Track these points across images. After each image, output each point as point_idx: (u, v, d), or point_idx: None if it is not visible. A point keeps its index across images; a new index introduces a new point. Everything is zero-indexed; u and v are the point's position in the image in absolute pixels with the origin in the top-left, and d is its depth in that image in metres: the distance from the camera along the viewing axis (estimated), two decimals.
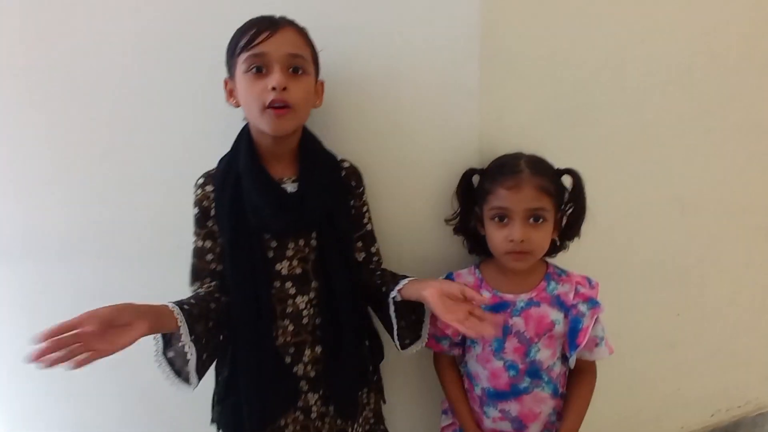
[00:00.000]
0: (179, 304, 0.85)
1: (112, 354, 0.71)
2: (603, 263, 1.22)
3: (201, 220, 0.95)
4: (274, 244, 0.94)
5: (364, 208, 1.04)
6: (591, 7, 1.11)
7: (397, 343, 0.98)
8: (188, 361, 0.83)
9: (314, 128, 1.01)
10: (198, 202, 0.95)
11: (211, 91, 1.03)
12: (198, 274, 0.96)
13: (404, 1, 1.03)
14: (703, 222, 1.33)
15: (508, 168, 0.97)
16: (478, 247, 1.08)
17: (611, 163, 1.20)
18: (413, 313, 0.98)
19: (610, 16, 1.12)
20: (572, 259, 1.07)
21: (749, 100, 1.30)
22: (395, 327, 0.96)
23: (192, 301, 0.88)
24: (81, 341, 0.68)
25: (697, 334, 1.44)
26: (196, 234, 0.96)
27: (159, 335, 0.84)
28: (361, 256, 1.04)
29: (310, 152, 0.98)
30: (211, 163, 0.99)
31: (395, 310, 0.95)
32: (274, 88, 0.86)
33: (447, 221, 1.09)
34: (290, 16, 0.95)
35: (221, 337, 0.93)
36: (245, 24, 0.90)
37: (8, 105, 1.14)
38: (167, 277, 1.15)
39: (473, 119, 1.07)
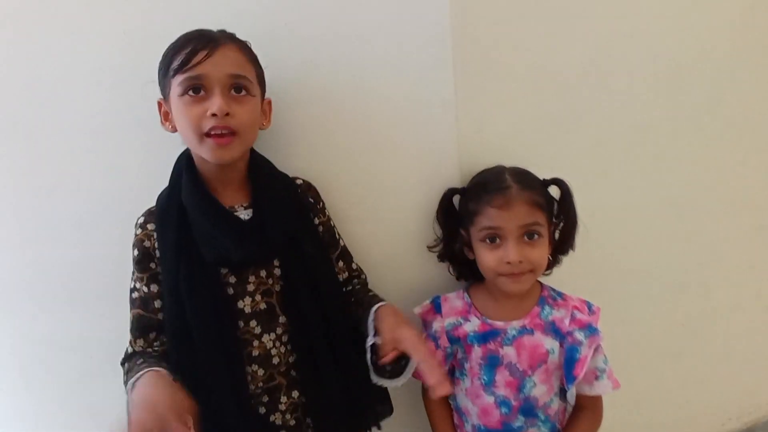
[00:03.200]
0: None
1: None
2: (600, 276, 1.14)
3: (143, 262, 0.85)
4: (233, 279, 0.85)
5: (332, 223, 0.96)
6: (573, 4, 1.02)
7: (375, 379, 0.86)
8: None
9: (270, 150, 0.93)
10: (138, 243, 0.85)
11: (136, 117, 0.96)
12: (143, 327, 0.84)
13: (366, 5, 0.94)
14: (702, 225, 1.26)
15: (493, 185, 0.89)
16: (466, 272, 0.99)
17: (602, 169, 1.12)
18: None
19: (594, 12, 1.04)
20: (566, 273, 0.99)
21: (742, 96, 1.23)
22: (373, 371, 0.85)
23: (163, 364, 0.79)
24: None
25: (703, 341, 1.37)
26: (138, 280, 0.85)
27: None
28: (344, 276, 0.95)
29: (262, 174, 0.89)
30: (141, 201, 0.89)
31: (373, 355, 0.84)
32: (214, 115, 0.77)
33: (430, 248, 1.00)
34: (244, 26, 0.86)
35: None
36: (179, 40, 0.81)
37: None
38: (104, 320, 1.10)
39: (450, 132, 0.98)
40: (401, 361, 0.86)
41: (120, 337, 1.09)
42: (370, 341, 0.83)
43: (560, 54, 1.03)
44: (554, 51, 1.03)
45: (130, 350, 0.85)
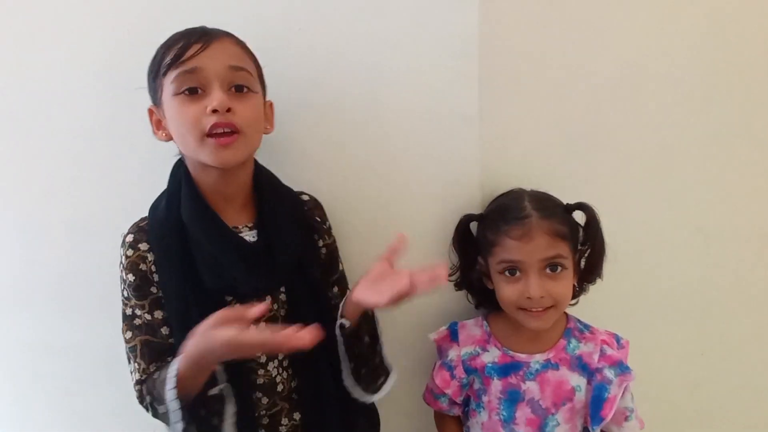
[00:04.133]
0: None
1: None
2: (621, 302, 1.09)
3: (141, 288, 0.76)
4: (234, 302, 0.78)
5: (335, 246, 0.90)
6: (604, 17, 0.97)
7: (352, 384, 0.82)
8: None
9: (276, 161, 0.88)
10: (132, 267, 0.76)
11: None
12: (156, 353, 0.77)
13: (388, 13, 0.89)
14: (728, 252, 1.20)
15: (512, 213, 0.83)
16: (486, 302, 0.93)
17: (627, 191, 1.06)
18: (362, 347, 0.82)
19: (623, 31, 0.98)
20: (586, 298, 0.93)
21: None
22: (345, 365, 0.81)
23: None
24: None
25: (721, 372, 1.32)
26: (138, 307, 0.76)
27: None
28: (338, 302, 0.88)
29: (268, 191, 0.82)
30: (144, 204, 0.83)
31: (345, 345, 0.80)
32: (215, 111, 0.69)
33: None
34: (255, 29, 0.81)
35: None
36: (170, 38, 0.74)
37: None
38: (97, 327, 1.09)
39: (473, 149, 0.93)
40: (379, 379, 0.83)
41: (112, 344, 1.05)
42: (338, 323, 0.79)
43: (587, 73, 0.98)
44: (581, 69, 0.97)
45: (143, 377, 0.76)
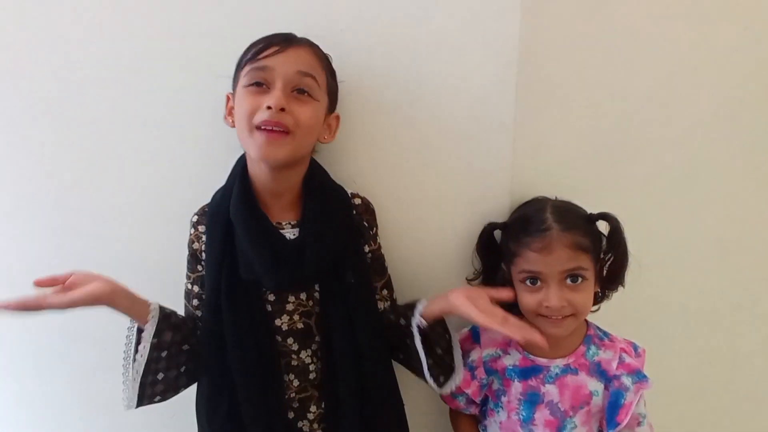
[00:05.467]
0: (163, 307, 0.81)
1: (59, 307, 0.71)
2: (639, 309, 1.12)
3: (191, 263, 0.87)
4: (272, 297, 0.83)
5: (380, 251, 0.92)
6: (639, 34, 0.98)
7: (431, 381, 0.85)
8: (134, 361, 0.77)
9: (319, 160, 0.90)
10: (190, 243, 0.87)
11: (200, 111, 0.94)
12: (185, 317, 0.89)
13: (431, 19, 0.90)
14: (742, 267, 1.23)
15: (533, 225, 0.85)
16: (507, 306, 0.95)
17: (652, 203, 1.09)
18: (440, 344, 0.85)
19: (661, 44, 1.00)
20: (605, 304, 0.95)
21: None
22: (425, 362, 0.83)
23: (177, 313, 0.84)
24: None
25: (727, 383, 1.35)
26: (187, 276, 0.88)
27: (134, 327, 0.80)
28: (385, 305, 0.91)
29: (316, 191, 0.85)
30: (197, 197, 0.88)
31: (423, 341, 0.82)
32: (269, 108, 0.73)
33: (469, 281, 0.97)
34: (297, 26, 0.84)
35: (182, 369, 0.82)
36: (259, 39, 0.80)
37: None
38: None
39: (505, 156, 0.95)
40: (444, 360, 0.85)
41: None
42: (415, 321, 0.82)
43: (620, 88, 1.00)
44: (614, 85, 0.99)
45: None
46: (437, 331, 0.84)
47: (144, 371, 0.77)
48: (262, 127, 0.74)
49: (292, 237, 0.82)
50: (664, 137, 1.05)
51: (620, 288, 0.93)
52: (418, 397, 1.03)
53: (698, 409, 1.34)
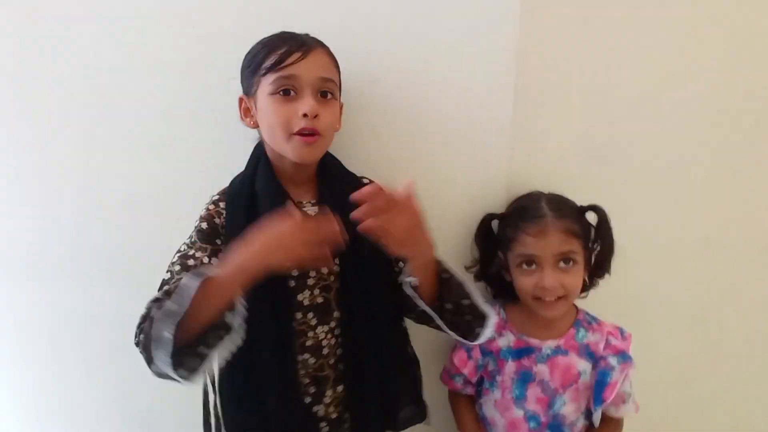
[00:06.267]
0: None
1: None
2: (622, 301, 1.17)
3: (210, 235, 0.84)
4: (295, 272, 0.87)
5: None
6: (629, 41, 1.05)
7: (456, 335, 0.84)
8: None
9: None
10: (208, 217, 0.86)
11: (215, 108, 1.01)
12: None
13: (433, 27, 0.97)
14: (727, 263, 1.29)
15: (530, 213, 0.93)
16: (503, 293, 1.03)
17: (640, 199, 1.15)
18: (455, 294, 0.84)
19: (650, 50, 1.07)
20: (595, 297, 1.03)
21: None
22: (437, 319, 0.83)
23: None
24: None
25: (712, 374, 1.41)
26: (200, 249, 0.82)
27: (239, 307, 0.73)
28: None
29: (330, 174, 0.91)
30: (205, 184, 0.93)
31: (435, 299, 0.84)
32: (305, 115, 0.80)
33: (467, 269, 1.04)
34: (311, 28, 0.89)
35: None
36: (272, 40, 0.84)
37: None
38: (143, 300, 1.13)
39: (503, 154, 1.02)
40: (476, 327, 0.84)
41: None
42: (406, 281, 0.85)
43: (611, 92, 1.07)
44: (606, 88, 1.06)
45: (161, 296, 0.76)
46: (446, 283, 0.83)
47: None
48: (300, 133, 0.81)
49: (313, 214, 0.88)
50: (652, 137, 1.12)
51: (606, 276, 1.01)
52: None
53: (684, 399, 1.39)
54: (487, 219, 1.02)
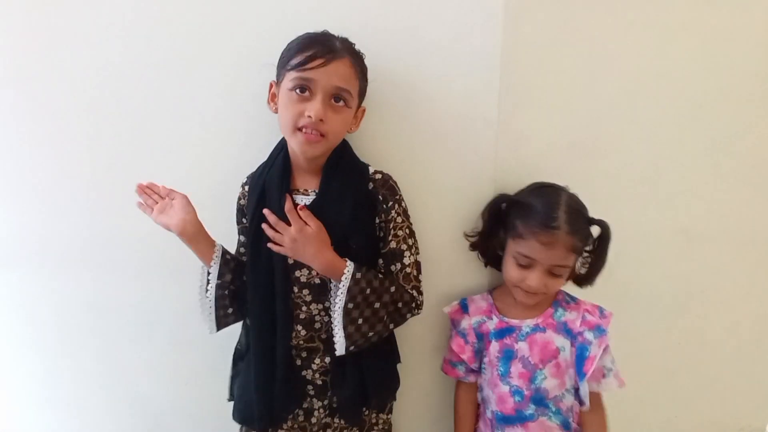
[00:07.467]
0: (225, 251, 1.00)
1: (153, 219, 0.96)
2: (607, 291, 1.17)
3: (238, 215, 1.06)
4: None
5: (392, 224, 0.97)
6: (609, 42, 1.13)
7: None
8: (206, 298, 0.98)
9: None
10: (238, 200, 1.06)
11: (228, 98, 1.11)
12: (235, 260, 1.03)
13: (424, 31, 1.05)
14: (708, 254, 1.34)
15: (546, 221, 0.93)
16: (494, 263, 1.08)
17: (621, 193, 1.22)
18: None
19: (629, 50, 1.14)
20: (576, 290, 1.08)
21: (757, 136, 1.32)
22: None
23: (236, 257, 1.03)
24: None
25: (697, 363, 1.45)
26: (237, 228, 1.07)
27: (206, 271, 0.98)
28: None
29: (335, 165, 0.97)
30: (221, 176, 1.11)
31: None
32: (310, 116, 0.88)
33: (467, 236, 1.08)
34: (311, 29, 0.96)
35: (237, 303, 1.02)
36: (305, 39, 0.92)
37: (9, 109, 1.18)
38: (167, 290, 1.24)
39: (489, 149, 1.09)
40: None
41: (162, 306, 1.25)
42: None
43: (592, 89, 1.14)
44: (588, 86, 1.13)
45: None
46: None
47: (216, 306, 0.98)
48: (303, 130, 0.90)
49: (307, 203, 0.94)
50: (633, 133, 1.19)
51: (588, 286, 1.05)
52: (422, 377, 1.19)
53: (667, 388, 1.44)
54: (500, 199, 1.04)
